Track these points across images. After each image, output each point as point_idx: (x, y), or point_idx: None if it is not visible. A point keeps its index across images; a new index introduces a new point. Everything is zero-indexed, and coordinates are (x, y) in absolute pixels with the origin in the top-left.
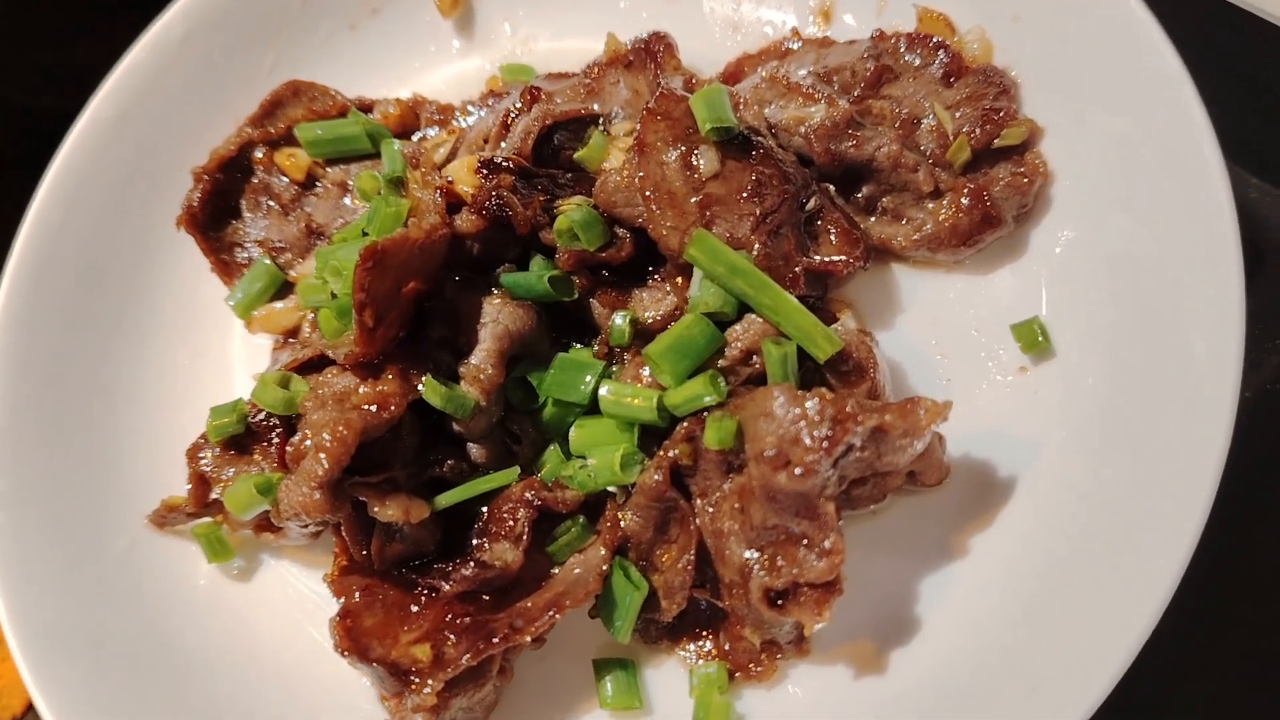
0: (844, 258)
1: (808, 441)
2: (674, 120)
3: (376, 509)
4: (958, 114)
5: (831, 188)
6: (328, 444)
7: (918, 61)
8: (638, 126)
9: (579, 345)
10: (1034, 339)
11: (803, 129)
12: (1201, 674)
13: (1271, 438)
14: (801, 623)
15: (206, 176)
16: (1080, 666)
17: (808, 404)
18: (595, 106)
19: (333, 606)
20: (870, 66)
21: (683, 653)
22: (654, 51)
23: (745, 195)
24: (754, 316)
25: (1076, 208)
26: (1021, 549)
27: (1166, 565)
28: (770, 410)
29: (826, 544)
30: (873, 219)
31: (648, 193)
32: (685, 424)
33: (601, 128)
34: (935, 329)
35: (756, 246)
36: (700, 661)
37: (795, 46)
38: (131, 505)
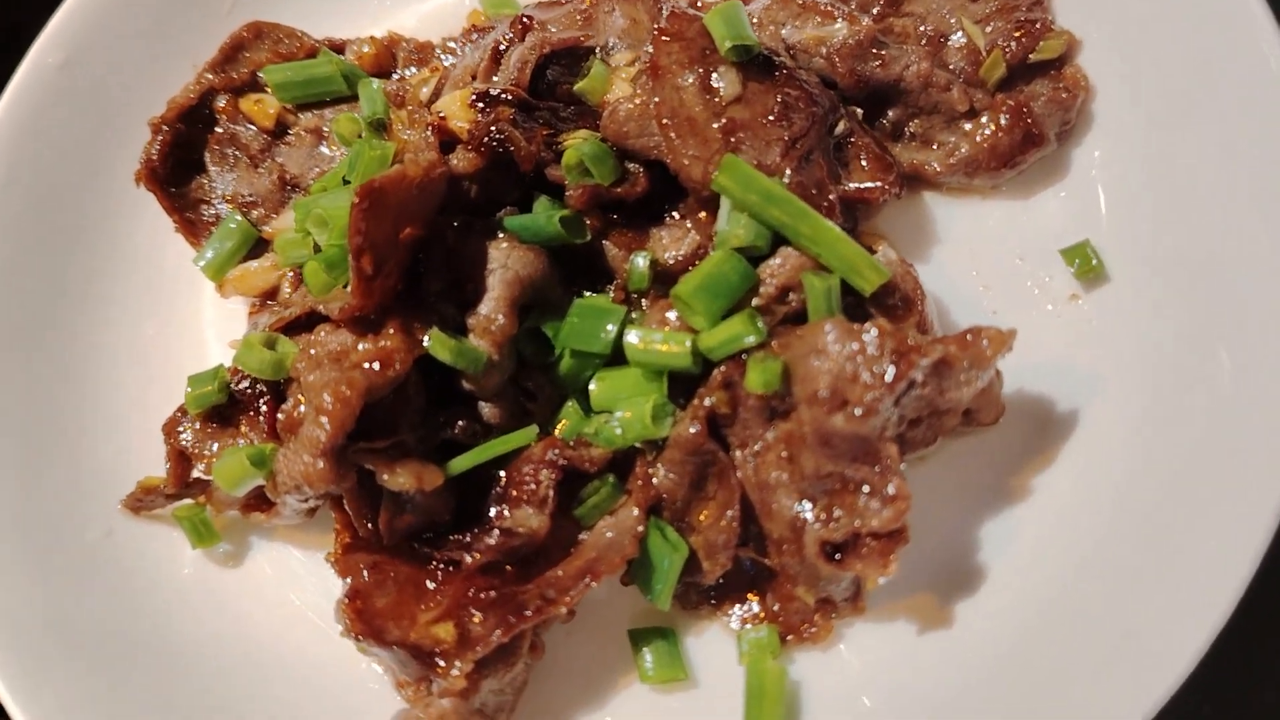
0: (879, 184)
1: (867, 378)
2: (688, 41)
3: (386, 477)
4: (988, 28)
5: (859, 111)
6: (329, 406)
7: None
8: (644, 53)
9: (591, 292)
10: (1086, 263)
11: (824, 49)
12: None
13: None
14: (863, 577)
15: (165, 128)
16: (1172, 616)
17: (865, 337)
18: (592, 36)
19: (334, 591)
20: None
21: (726, 617)
22: None
23: (771, 119)
24: (789, 249)
25: (1122, 122)
26: (1086, 488)
27: (1262, 498)
28: (822, 346)
29: (890, 489)
30: (900, 145)
31: (665, 120)
32: (722, 369)
33: (600, 58)
34: (976, 259)
35: (788, 173)
36: (748, 626)
37: None
38: (104, 491)
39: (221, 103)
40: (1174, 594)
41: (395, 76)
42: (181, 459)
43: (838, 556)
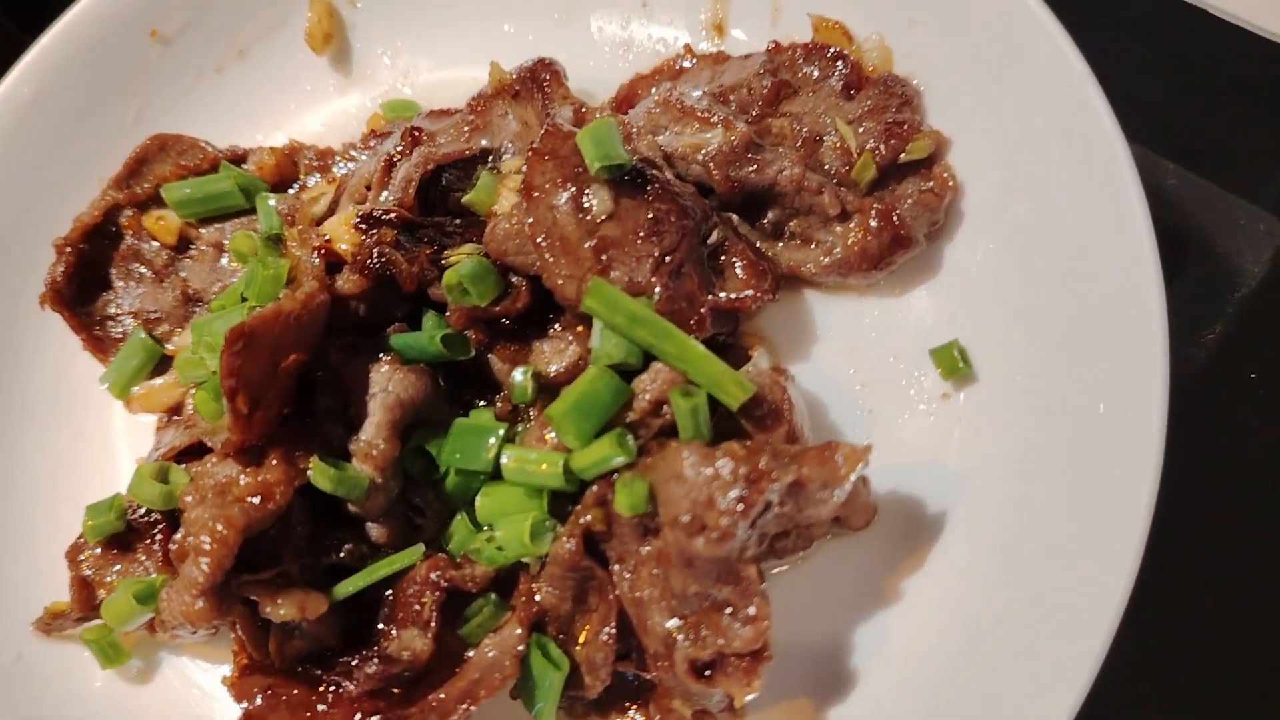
0: (752, 292)
1: (722, 505)
2: (562, 159)
3: (269, 609)
4: (860, 129)
5: (734, 217)
6: (207, 546)
7: (816, 74)
8: (524, 169)
9: (483, 403)
10: (954, 364)
11: (700, 156)
12: (1159, 693)
13: (1204, 430)
14: (730, 694)
15: (69, 249)
16: (1031, 709)
17: (719, 463)
18: (484, 142)
19: (238, 707)
20: (767, 83)
21: None
22: (540, 80)
23: (642, 235)
24: (659, 365)
25: (989, 219)
26: (958, 587)
27: (1110, 591)
28: (680, 472)
29: (751, 610)
30: (780, 244)
31: (540, 239)
32: (596, 487)
33: (491, 166)
34: (853, 357)
35: (658, 290)
36: None
37: (689, 64)
38: (15, 613)
39: (125, 218)
40: (1031, 689)
41: (297, 185)
42: (84, 585)
43: (706, 674)
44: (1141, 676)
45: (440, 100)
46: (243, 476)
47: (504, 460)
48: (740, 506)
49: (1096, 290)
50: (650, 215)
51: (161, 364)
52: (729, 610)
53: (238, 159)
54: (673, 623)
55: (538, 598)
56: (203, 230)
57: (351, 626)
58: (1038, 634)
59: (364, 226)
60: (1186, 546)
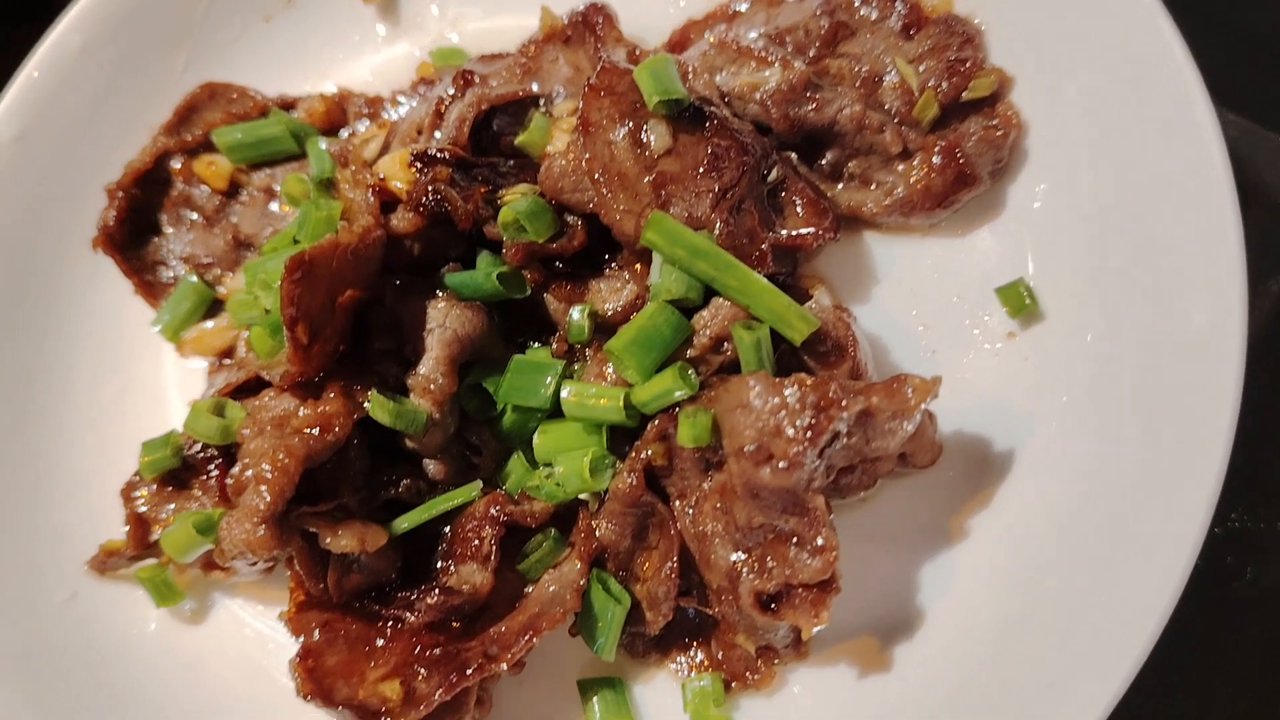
0: (813, 229)
1: (790, 432)
2: (619, 95)
3: (329, 540)
4: (921, 68)
5: (794, 156)
6: (268, 475)
7: (874, 15)
8: (581, 105)
9: (536, 344)
10: (1020, 302)
11: (758, 95)
12: (1232, 646)
13: (1269, 379)
14: (798, 626)
15: (121, 193)
16: (1101, 650)
17: (787, 391)
18: (534, 87)
19: (294, 644)
20: (824, 24)
21: (673, 665)
22: (593, 24)
23: (701, 170)
24: (722, 300)
25: (1054, 158)
26: (1025, 527)
27: (1184, 533)
28: (747, 401)
29: (819, 540)
30: (839, 186)
31: (597, 175)
32: (657, 421)
33: (543, 109)
34: (915, 298)
35: (718, 225)
36: (693, 674)
37: (743, 8)
38: (69, 553)
39: (176, 165)
40: (1104, 628)
41: (346, 131)
42: (139, 522)
43: (772, 606)
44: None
45: (489, 48)
46: (302, 409)
47: (564, 395)
48: (809, 434)
49: (1168, 225)
50: (709, 151)
51: (212, 309)
52: (795, 541)
53: (287, 106)
54: (737, 556)
55: (598, 534)
56: (253, 175)
57: (409, 562)
58: (1108, 574)
59: (419, 165)
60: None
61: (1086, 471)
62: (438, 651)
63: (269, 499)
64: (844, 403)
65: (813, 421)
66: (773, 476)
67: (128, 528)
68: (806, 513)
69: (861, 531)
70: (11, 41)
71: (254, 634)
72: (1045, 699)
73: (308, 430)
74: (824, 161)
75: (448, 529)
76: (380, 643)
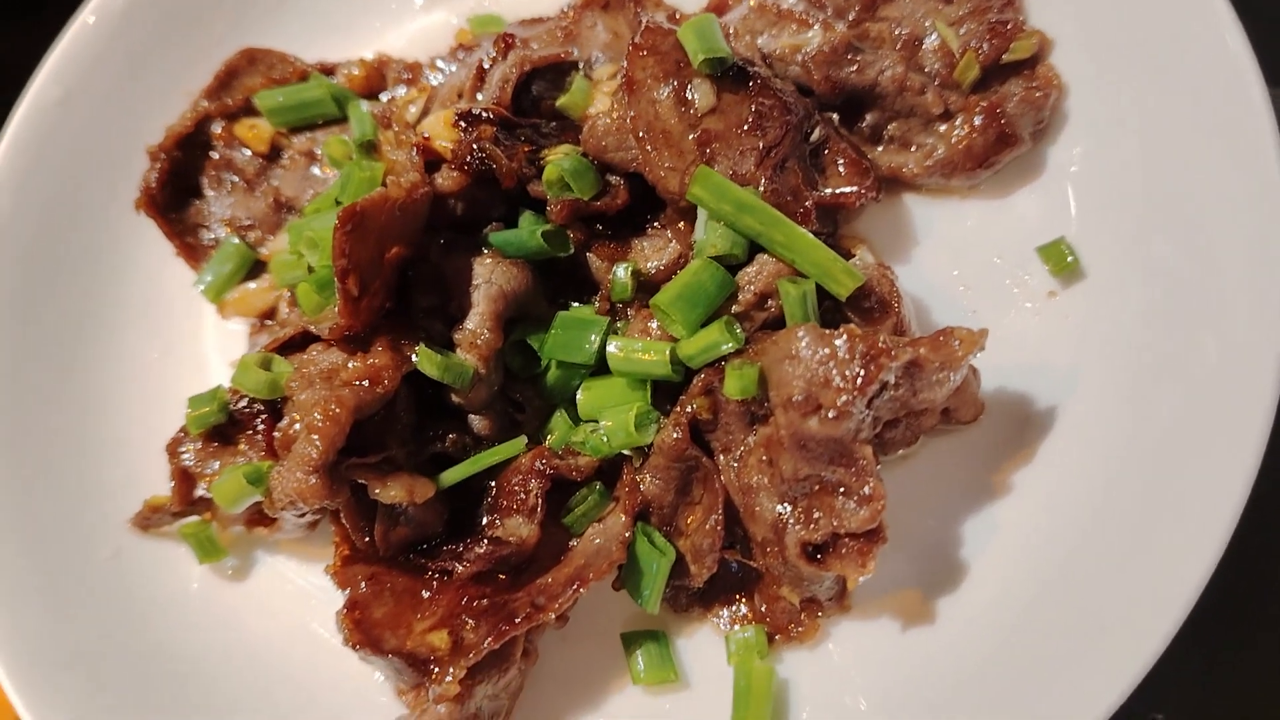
0: (855, 188)
1: (839, 382)
2: (663, 54)
3: (378, 491)
4: (962, 30)
5: (835, 117)
6: (320, 424)
7: None
8: (623, 66)
9: (577, 304)
10: (1062, 260)
11: (799, 57)
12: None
13: None
14: (844, 576)
15: (163, 155)
16: (1141, 609)
17: (836, 342)
18: (574, 51)
19: (337, 600)
20: None
21: (716, 619)
22: None
23: (746, 129)
24: (766, 256)
25: (1095, 119)
26: (1068, 483)
27: (1227, 490)
28: (795, 352)
29: (866, 490)
30: (879, 148)
31: (641, 133)
32: (702, 376)
33: (582, 73)
34: (955, 259)
35: (763, 182)
36: (736, 627)
37: None
38: (112, 510)
39: (217, 129)
40: (1145, 585)
41: (385, 97)
42: (185, 478)
43: (819, 557)
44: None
45: (525, 15)
46: (350, 362)
47: (610, 350)
48: (858, 383)
49: (1211, 185)
50: (753, 109)
51: (253, 271)
52: (842, 491)
53: (326, 71)
54: (783, 508)
55: (642, 488)
56: (294, 139)
57: (455, 516)
58: (1149, 534)
59: (464, 124)
60: None
61: (1128, 431)
62: (485, 602)
63: (321, 447)
64: (893, 352)
65: (861, 371)
66: (821, 426)
67: (173, 483)
68: (853, 462)
69: (904, 488)
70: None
71: (297, 590)
72: (1084, 657)
73: (357, 382)
74: (864, 124)
75: (493, 483)
76: (427, 595)
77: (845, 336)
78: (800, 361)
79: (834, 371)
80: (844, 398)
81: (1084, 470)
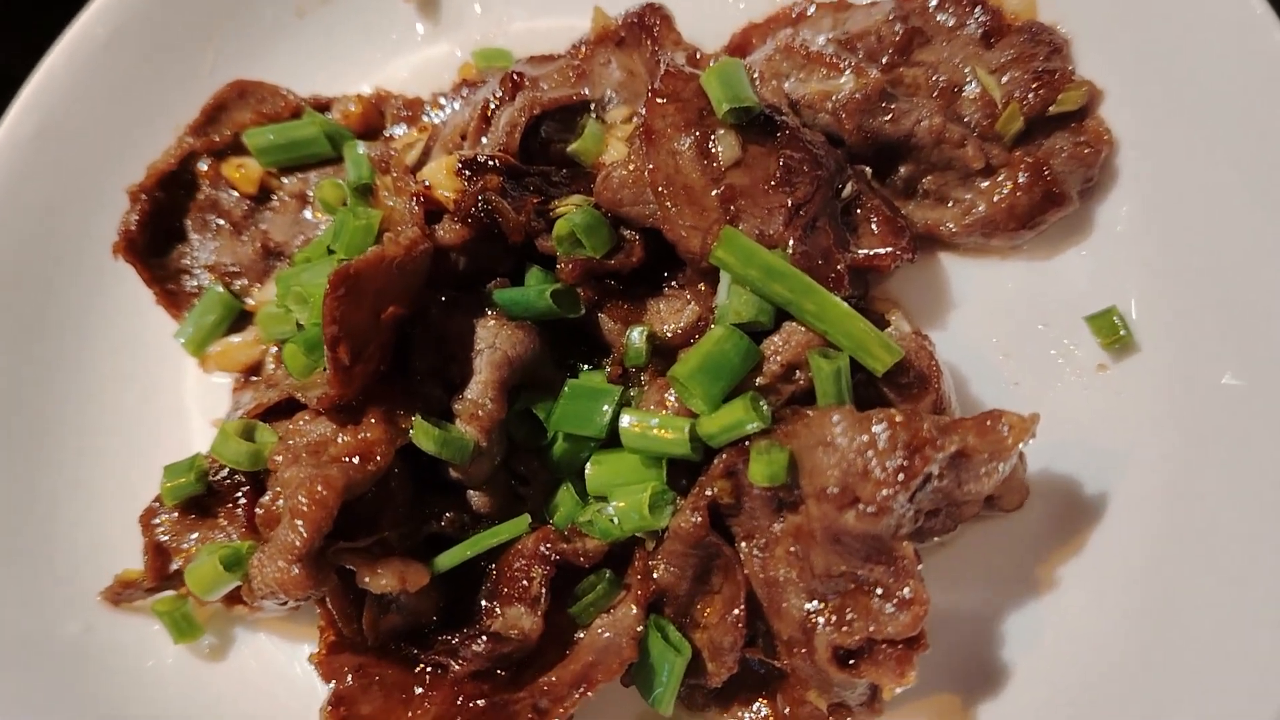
0: (890, 249)
1: (879, 474)
2: (684, 102)
3: (368, 579)
4: (1004, 79)
5: (868, 170)
6: (305, 508)
7: (951, 21)
8: (639, 112)
9: (587, 367)
10: (1114, 332)
11: (830, 104)
12: None
13: None
14: (879, 685)
15: (144, 196)
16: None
17: (875, 429)
18: (586, 91)
19: (324, 688)
20: (898, 30)
21: None
22: (649, 25)
23: (773, 184)
24: (794, 325)
25: (1147, 177)
26: (1119, 579)
27: None
28: (830, 438)
29: (906, 592)
30: (912, 203)
31: (660, 188)
32: (724, 456)
33: (595, 115)
34: (995, 325)
35: (791, 243)
36: None
37: (809, 11)
38: (82, 582)
39: (203, 167)
40: (1214, 699)
41: (384, 135)
42: (159, 552)
43: (851, 662)
44: None
45: (535, 50)
46: (340, 435)
47: (624, 424)
48: (901, 477)
49: (1272, 255)
50: (781, 163)
51: (238, 322)
52: (880, 592)
53: (321, 107)
54: (813, 605)
55: (655, 576)
56: (284, 180)
57: (449, 602)
58: (1209, 634)
59: (468, 172)
60: None
61: (1186, 523)
62: (483, 703)
63: (305, 535)
64: (939, 443)
65: (904, 463)
66: (858, 521)
67: (146, 557)
68: (893, 561)
69: (940, 579)
70: (31, 31)
71: (280, 674)
72: None
73: (347, 459)
74: (896, 176)
75: (492, 566)
76: (419, 690)
77: (885, 423)
78: (835, 449)
79: (873, 462)
80: (884, 492)
81: (1138, 565)
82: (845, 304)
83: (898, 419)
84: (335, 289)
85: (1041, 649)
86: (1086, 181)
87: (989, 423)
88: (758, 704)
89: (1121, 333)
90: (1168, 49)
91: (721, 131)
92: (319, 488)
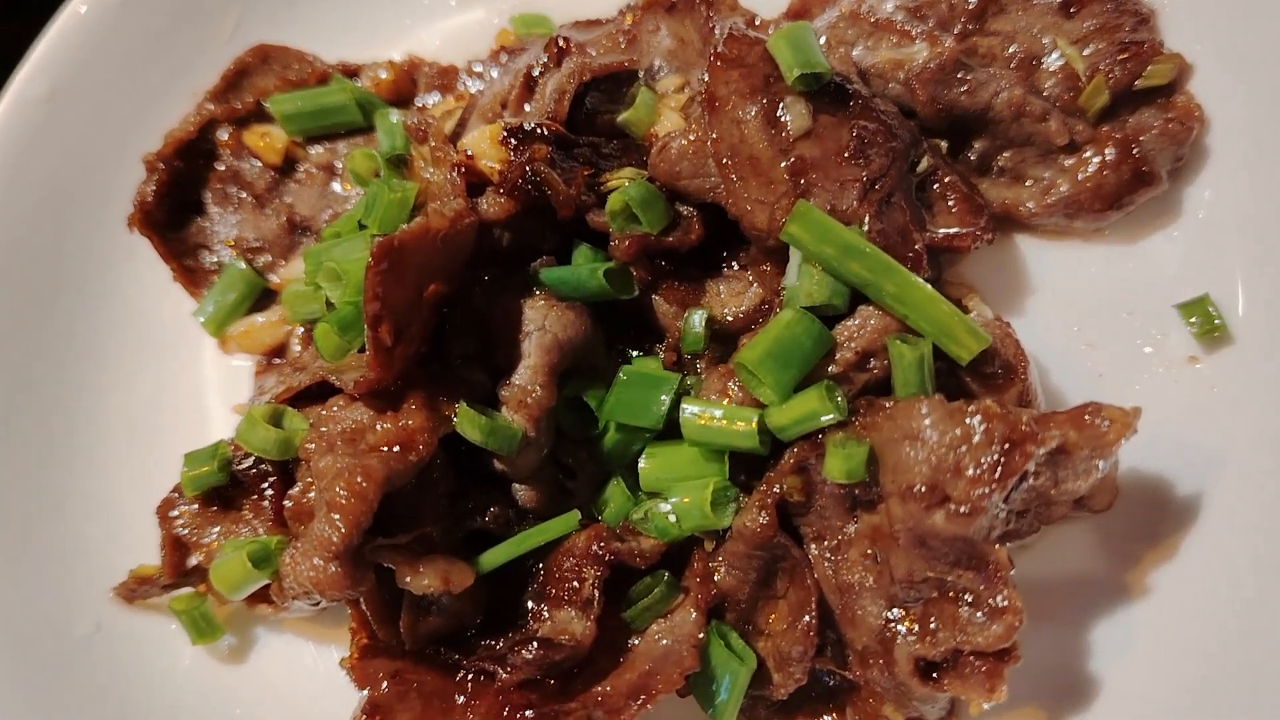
0: (969, 229)
1: (973, 471)
2: (749, 67)
3: (409, 579)
4: (1087, 50)
5: (944, 145)
6: (343, 500)
7: None
8: (695, 79)
9: (637, 353)
10: (1208, 321)
11: (902, 74)
12: None
13: None
14: (965, 700)
15: (162, 165)
16: None
17: (970, 422)
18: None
19: (351, 688)
20: None
21: None
22: None
23: (846, 157)
24: (870, 308)
25: (1239, 156)
26: (1213, 583)
27: None
28: (917, 432)
29: (999, 600)
30: (987, 181)
31: (724, 159)
32: (794, 450)
33: (645, 84)
34: (1077, 313)
35: (867, 220)
36: None
37: None
38: (94, 577)
39: (224, 135)
40: None
41: (416, 104)
42: (177, 546)
43: (934, 675)
44: None
45: (576, 15)
46: (379, 423)
47: (686, 415)
48: (998, 474)
49: None
50: (854, 133)
51: (260, 300)
52: (969, 599)
53: (349, 73)
54: (892, 613)
55: (715, 578)
56: (311, 150)
57: (494, 602)
58: None
59: (514, 141)
60: None
61: None
62: (530, 714)
63: (344, 530)
64: (1039, 437)
65: (1002, 460)
66: (948, 523)
67: (163, 551)
68: (984, 567)
69: (1022, 582)
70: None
71: (306, 678)
72: None
73: (386, 448)
74: (970, 152)
75: (539, 565)
76: (461, 699)
77: (981, 416)
78: (924, 444)
79: (967, 458)
80: (979, 490)
81: (1234, 571)
82: (929, 286)
83: (995, 411)
84: (379, 263)
85: (1134, 660)
86: (1176, 161)
87: (1087, 416)
88: (826, 718)
89: (1216, 322)
90: (1262, 18)
91: (790, 99)
92: (359, 479)
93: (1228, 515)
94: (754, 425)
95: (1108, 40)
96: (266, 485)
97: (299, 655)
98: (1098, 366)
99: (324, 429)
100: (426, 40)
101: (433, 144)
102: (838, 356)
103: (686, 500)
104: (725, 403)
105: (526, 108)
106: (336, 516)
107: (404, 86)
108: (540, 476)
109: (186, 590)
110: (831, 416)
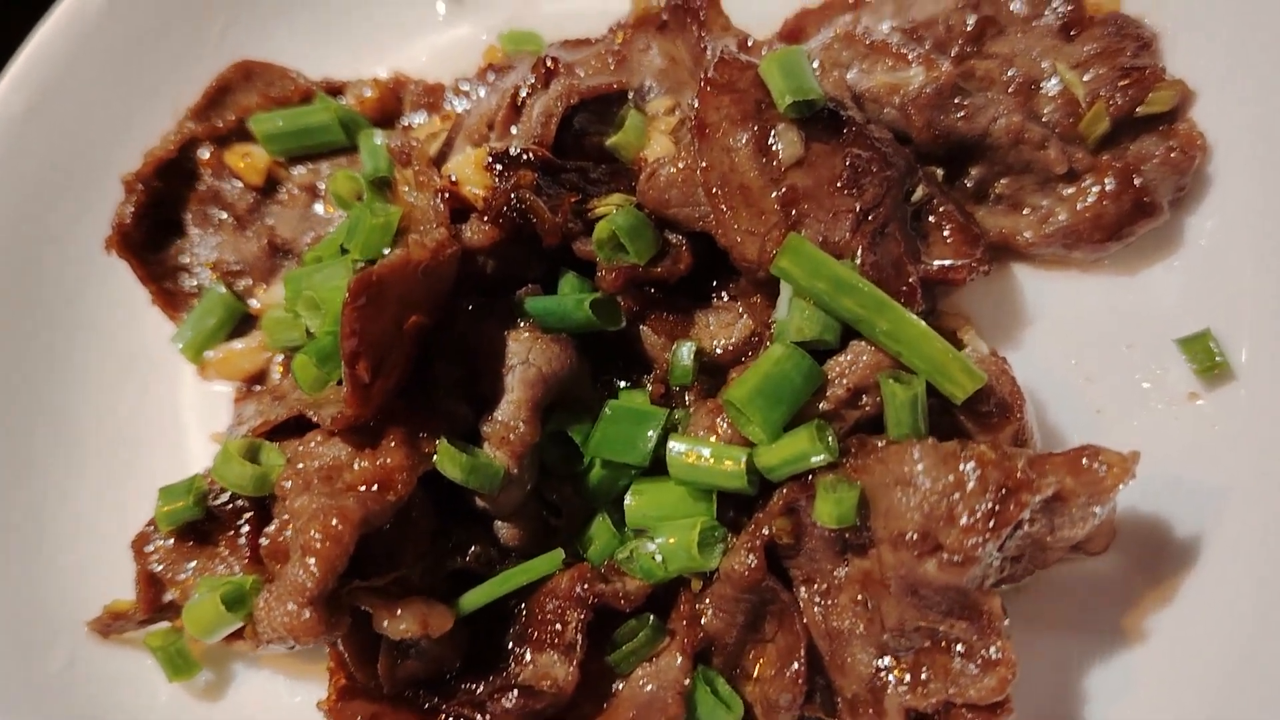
0: (965, 260)
1: (966, 519)
2: (740, 93)
3: (386, 623)
4: (1087, 75)
5: (939, 172)
6: (318, 544)
7: (1026, 10)
8: (683, 104)
9: (624, 385)
10: (1209, 357)
11: (897, 99)
12: None
13: None
14: None
15: (140, 185)
16: None
17: (963, 468)
18: (624, 80)
19: None
20: (970, 19)
21: None
22: (694, 8)
23: (839, 186)
24: (862, 344)
25: (1242, 186)
26: (1216, 628)
27: None
28: (909, 477)
29: (992, 652)
30: (983, 209)
31: (714, 189)
32: (784, 490)
33: (633, 105)
34: (1075, 346)
35: (860, 252)
36: None
37: None
38: (68, 610)
39: (205, 155)
40: None
41: (401, 123)
42: (152, 582)
43: None
44: None
45: (567, 33)
46: (357, 461)
47: (673, 453)
48: (992, 523)
49: None
50: (847, 162)
51: (241, 325)
52: (961, 650)
53: (334, 91)
54: (883, 661)
55: (702, 622)
56: (293, 171)
57: (474, 644)
58: None
59: (499, 167)
60: None
61: None
62: None
63: (318, 575)
64: (1035, 485)
65: (996, 508)
66: (940, 572)
67: (138, 587)
68: (978, 617)
69: (1016, 624)
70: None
71: (284, 714)
72: None
73: (364, 487)
74: (966, 179)
75: (521, 606)
76: None
77: (974, 462)
78: (916, 489)
79: (960, 506)
80: (972, 539)
81: (1235, 614)
82: (923, 322)
83: (990, 457)
84: (356, 298)
85: (1132, 703)
86: (1178, 190)
87: (1085, 460)
88: None
89: (1217, 358)
90: (1265, 45)
91: (782, 126)
92: (334, 521)
93: (1227, 558)
94: (742, 465)
95: (1109, 65)
96: (243, 521)
97: (277, 692)
98: (1096, 401)
99: (301, 465)
100: (413, 57)
101: (416, 168)
102: (829, 393)
103: (673, 540)
104: (713, 440)
105: (513, 130)
106: (311, 561)
107: (389, 104)
108: (524, 513)
109: (163, 625)
110: (822, 458)
